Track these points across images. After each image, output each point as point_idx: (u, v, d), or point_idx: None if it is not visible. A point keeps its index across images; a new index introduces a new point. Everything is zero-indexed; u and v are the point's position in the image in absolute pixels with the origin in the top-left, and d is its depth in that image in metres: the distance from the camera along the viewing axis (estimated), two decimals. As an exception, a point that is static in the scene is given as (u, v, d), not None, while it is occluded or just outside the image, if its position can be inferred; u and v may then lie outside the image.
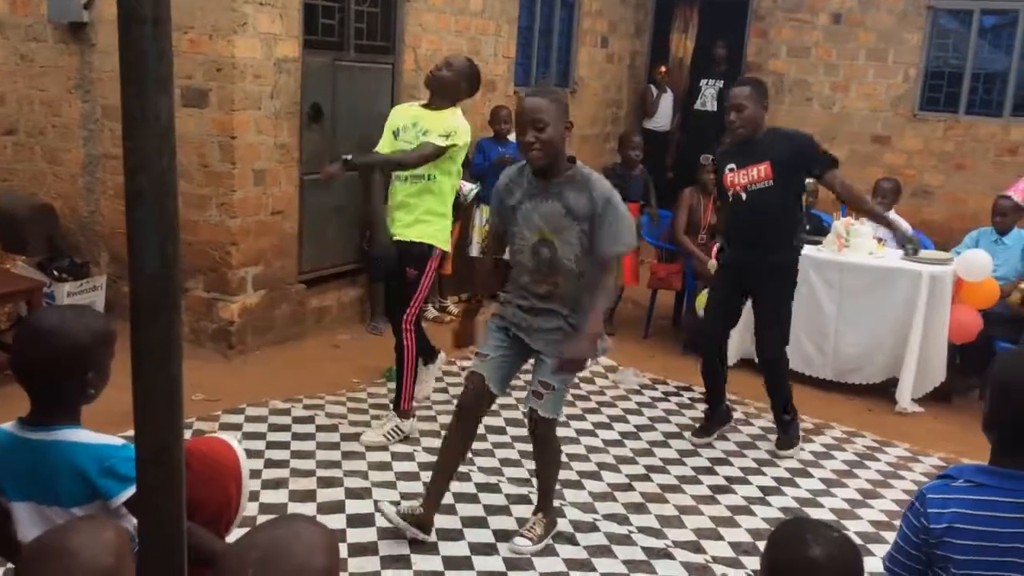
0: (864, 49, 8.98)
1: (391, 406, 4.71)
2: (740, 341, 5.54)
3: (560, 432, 4.79)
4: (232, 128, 5.31)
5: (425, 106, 4.57)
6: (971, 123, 8.62)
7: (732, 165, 4.59)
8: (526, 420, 3.66)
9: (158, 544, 1.09)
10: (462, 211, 6.73)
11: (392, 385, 5.30)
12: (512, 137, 6.82)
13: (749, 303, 4.80)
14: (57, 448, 2.06)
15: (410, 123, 4.52)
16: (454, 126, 4.42)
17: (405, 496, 3.97)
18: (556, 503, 3.99)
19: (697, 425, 4.98)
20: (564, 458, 4.49)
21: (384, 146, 4.63)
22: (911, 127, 8.86)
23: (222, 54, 5.24)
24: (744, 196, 4.56)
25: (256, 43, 5.33)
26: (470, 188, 6.32)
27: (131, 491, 2.03)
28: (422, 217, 4.44)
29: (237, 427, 4.54)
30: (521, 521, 3.81)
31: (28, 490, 2.07)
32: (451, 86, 4.50)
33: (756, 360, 5.10)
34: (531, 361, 3.65)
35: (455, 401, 5.11)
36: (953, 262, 5.68)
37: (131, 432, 1.13)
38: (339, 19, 5.98)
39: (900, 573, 1.97)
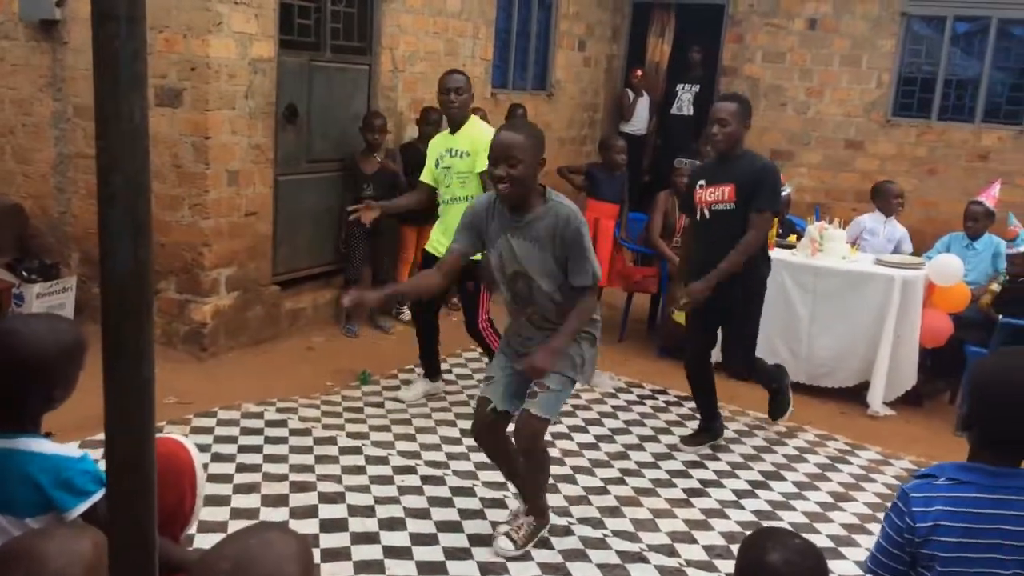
0: (838, 55, 9.06)
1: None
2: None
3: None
4: (206, 128, 5.27)
5: (450, 129, 5.06)
6: (943, 129, 8.72)
7: (703, 181, 4.58)
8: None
9: (129, 553, 1.07)
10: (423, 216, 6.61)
11: (366, 388, 5.30)
12: None
13: None
14: (14, 457, 2.01)
15: (444, 150, 4.98)
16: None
17: (379, 500, 3.94)
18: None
19: (689, 431, 4.99)
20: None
21: (427, 176, 5.09)
22: (884, 132, 8.95)
23: (196, 53, 5.20)
24: (707, 214, 4.55)
25: (231, 43, 5.29)
26: None
27: (86, 505, 2.00)
28: None
29: (209, 431, 4.50)
30: (496, 525, 3.80)
31: None
32: (466, 105, 5.01)
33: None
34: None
35: (429, 405, 5.14)
36: (925, 267, 5.74)
37: (101, 435, 1.11)
38: (315, 19, 5.94)
39: (882, 574, 1.98)
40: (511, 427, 3.59)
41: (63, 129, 5.76)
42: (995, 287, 5.68)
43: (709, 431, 4.89)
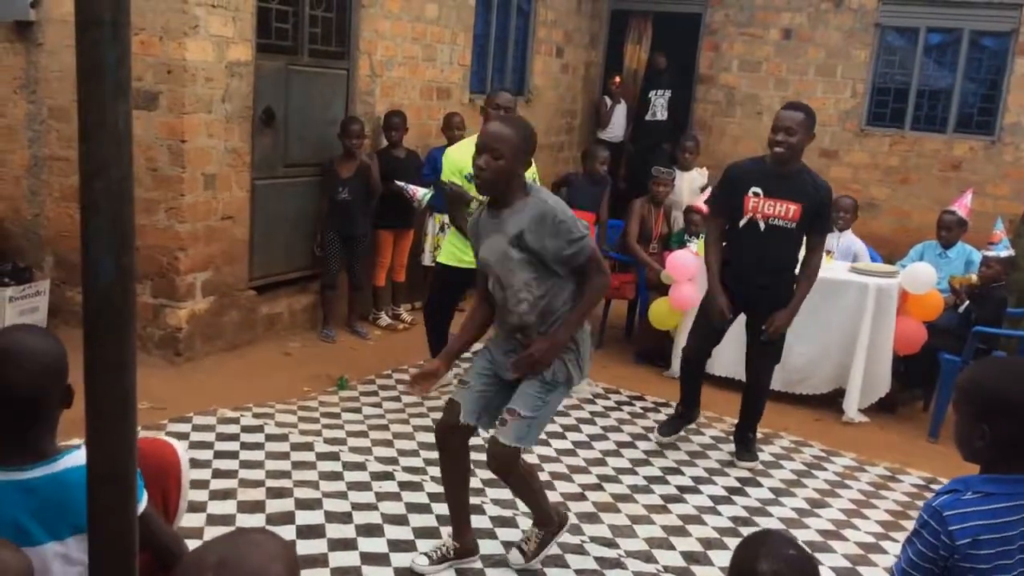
0: (813, 64, 9.14)
1: None
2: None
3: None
4: (182, 131, 5.23)
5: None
6: (916, 139, 8.82)
7: (758, 190, 4.44)
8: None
9: (108, 564, 1.06)
10: (415, 216, 6.70)
11: (344, 394, 5.27)
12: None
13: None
14: (75, 475, 1.85)
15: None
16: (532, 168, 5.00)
17: (356, 507, 3.93)
18: (508, 513, 3.99)
19: (658, 424, 5.05)
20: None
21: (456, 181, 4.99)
22: (858, 142, 9.03)
23: (173, 56, 5.16)
24: (762, 226, 4.45)
25: (208, 46, 5.26)
26: (424, 193, 6.28)
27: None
28: None
29: (184, 436, 4.45)
30: (474, 532, 3.79)
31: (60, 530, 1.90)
32: None
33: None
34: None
35: (407, 411, 5.12)
36: (898, 275, 5.79)
37: (76, 441, 1.10)
38: (293, 23, 5.92)
39: None
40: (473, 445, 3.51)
41: (37, 131, 5.69)
42: (973, 278, 5.74)
43: (686, 417, 4.95)
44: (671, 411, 5.12)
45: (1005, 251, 5.67)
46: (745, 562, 1.73)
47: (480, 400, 3.40)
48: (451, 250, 5.08)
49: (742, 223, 4.50)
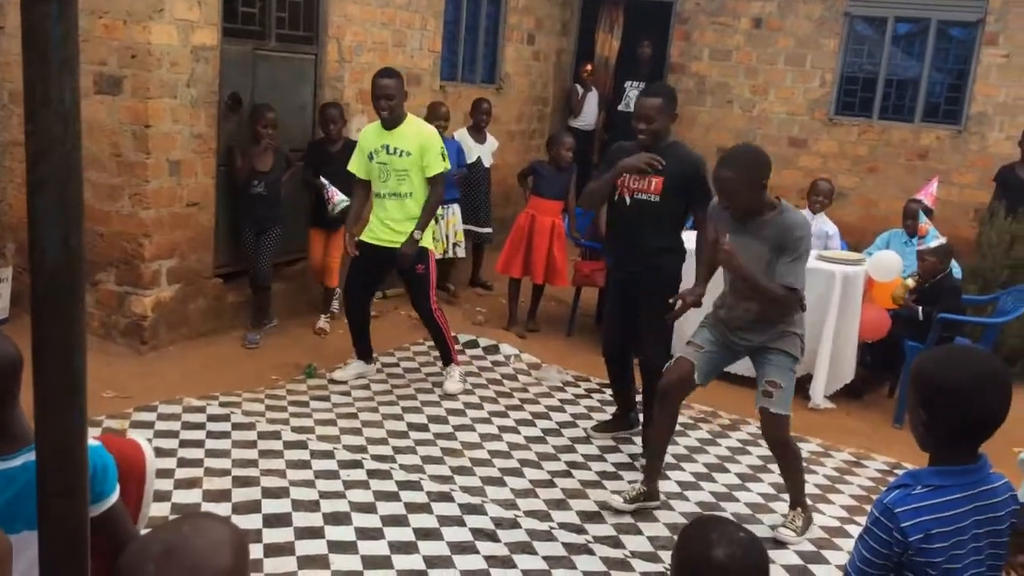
0: (783, 54, 9.18)
1: (442, 365, 5.41)
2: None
3: (482, 429, 4.81)
4: (146, 116, 5.15)
5: (384, 127, 5.04)
6: (884, 128, 8.89)
7: None
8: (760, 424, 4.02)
9: (59, 554, 1.04)
10: (333, 220, 6.01)
11: (312, 382, 5.24)
12: (447, 133, 6.71)
13: None
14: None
15: (380, 146, 5.03)
16: (437, 144, 5.07)
17: (324, 495, 3.91)
18: (477, 500, 3.99)
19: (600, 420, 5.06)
20: (486, 454, 4.50)
21: (358, 167, 5.14)
22: (827, 131, 9.09)
23: (137, 40, 5.08)
24: (628, 200, 4.48)
25: (172, 30, 5.18)
26: (341, 199, 5.80)
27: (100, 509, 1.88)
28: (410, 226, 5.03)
29: (149, 425, 4.41)
30: (443, 519, 3.80)
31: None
32: (397, 109, 5.00)
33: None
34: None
35: (376, 399, 5.09)
36: (865, 262, 5.84)
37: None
38: (260, 7, 5.85)
39: None
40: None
41: (-3, 116, 5.59)
42: (910, 282, 5.78)
43: (624, 419, 4.94)
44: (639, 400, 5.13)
45: (935, 240, 5.70)
46: (696, 549, 1.68)
47: (710, 364, 4.01)
48: (378, 228, 5.11)
49: (615, 198, 4.57)
